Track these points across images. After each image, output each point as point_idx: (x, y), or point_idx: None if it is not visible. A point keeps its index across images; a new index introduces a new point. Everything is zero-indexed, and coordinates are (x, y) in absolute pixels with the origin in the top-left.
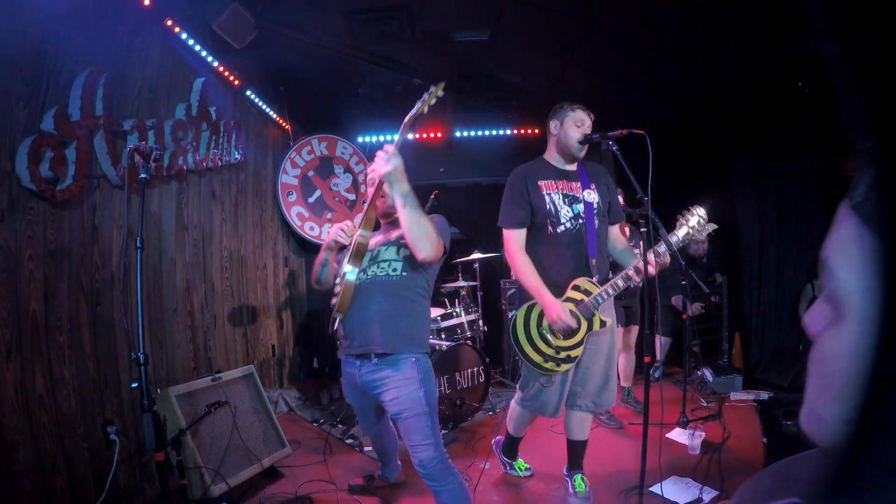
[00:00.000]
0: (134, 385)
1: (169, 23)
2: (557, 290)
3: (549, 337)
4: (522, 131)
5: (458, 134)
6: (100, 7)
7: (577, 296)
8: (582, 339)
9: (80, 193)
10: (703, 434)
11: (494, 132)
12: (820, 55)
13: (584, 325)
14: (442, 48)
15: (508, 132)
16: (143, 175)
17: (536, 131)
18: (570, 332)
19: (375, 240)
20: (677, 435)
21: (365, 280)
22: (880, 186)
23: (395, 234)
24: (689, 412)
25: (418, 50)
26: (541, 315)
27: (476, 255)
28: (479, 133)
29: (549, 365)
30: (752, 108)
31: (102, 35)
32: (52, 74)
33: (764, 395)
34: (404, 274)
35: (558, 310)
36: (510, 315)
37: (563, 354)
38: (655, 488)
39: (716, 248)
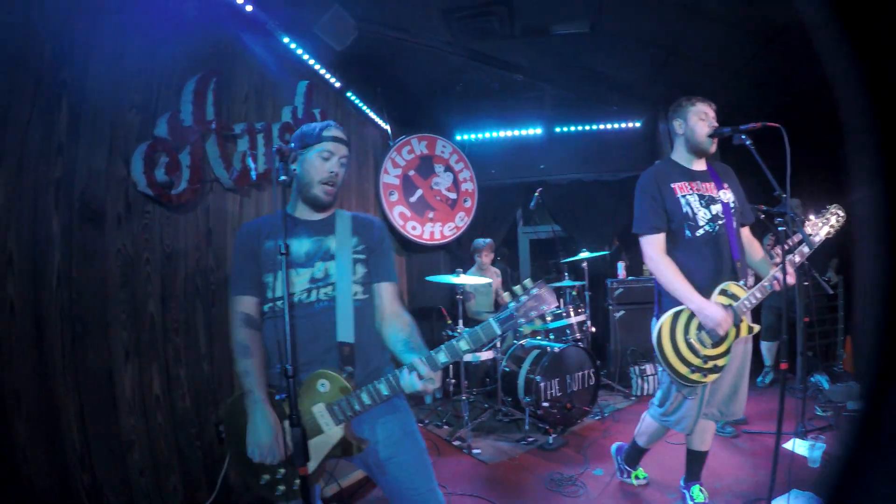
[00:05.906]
0: (280, 397)
1: (270, 27)
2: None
3: (697, 346)
4: (623, 125)
5: (557, 129)
6: (203, 14)
7: (725, 300)
8: (729, 347)
9: (194, 197)
10: (825, 445)
11: (594, 126)
12: None
13: (732, 331)
14: (541, 43)
15: (609, 126)
16: (283, 177)
17: (637, 125)
18: (719, 340)
19: None
20: (794, 446)
21: None
22: None
23: None
24: (805, 422)
25: (517, 45)
26: (687, 323)
27: (584, 255)
28: (579, 128)
29: (696, 376)
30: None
31: (208, 41)
32: (162, 80)
33: None
34: None
35: (720, 314)
36: (654, 322)
37: (709, 364)
38: (779, 502)
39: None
